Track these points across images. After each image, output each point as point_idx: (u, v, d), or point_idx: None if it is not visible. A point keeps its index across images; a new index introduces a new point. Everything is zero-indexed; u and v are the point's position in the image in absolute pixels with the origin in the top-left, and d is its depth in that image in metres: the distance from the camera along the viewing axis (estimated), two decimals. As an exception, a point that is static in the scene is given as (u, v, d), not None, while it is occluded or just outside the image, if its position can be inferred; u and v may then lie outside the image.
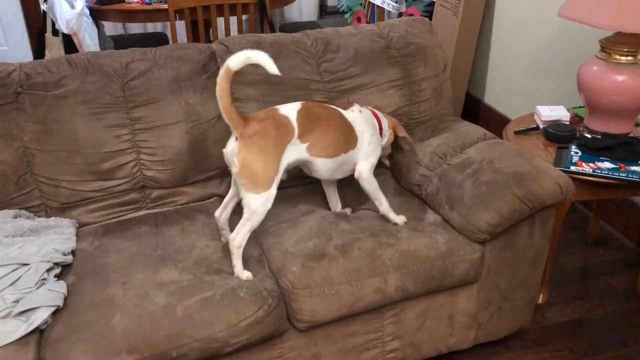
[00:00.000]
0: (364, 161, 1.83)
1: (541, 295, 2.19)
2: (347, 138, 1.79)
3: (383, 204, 1.85)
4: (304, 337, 1.71)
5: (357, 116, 1.85)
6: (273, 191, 1.65)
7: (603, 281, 2.35)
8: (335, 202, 1.99)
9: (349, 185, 2.06)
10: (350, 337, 1.77)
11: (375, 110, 1.95)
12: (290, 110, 1.70)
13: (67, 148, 1.88)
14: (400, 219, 1.85)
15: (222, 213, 1.79)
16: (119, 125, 1.92)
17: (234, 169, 1.63)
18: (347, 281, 1.65)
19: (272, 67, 1.58)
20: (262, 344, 1.65)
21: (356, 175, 1.84)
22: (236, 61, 1.56)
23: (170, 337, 1.49)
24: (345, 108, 1.85)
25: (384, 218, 1.86)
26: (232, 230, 1.69)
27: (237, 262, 1.67)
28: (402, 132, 1.98)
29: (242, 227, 1.66)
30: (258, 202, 1.64)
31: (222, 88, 1.57)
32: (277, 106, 1.73)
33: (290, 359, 1.73)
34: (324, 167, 1.78)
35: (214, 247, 1.77)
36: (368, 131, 1.84)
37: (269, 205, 1.66)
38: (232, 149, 1.64)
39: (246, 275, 1.66)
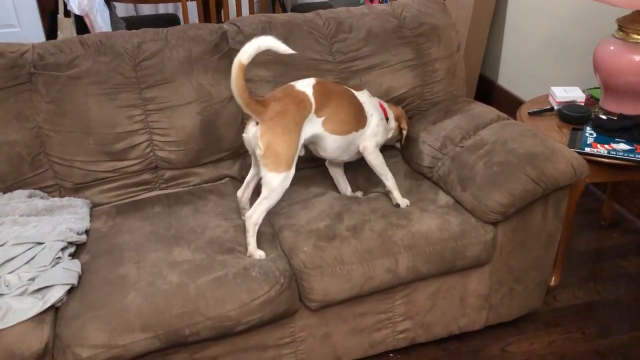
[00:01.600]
0: (370, 138, 1.85)
1: (553, 278, 2.18)
2: (359, 117, 1.81)
3: (389, 179, 1.85)
4: (315, 317, 1.73)
5: (367, 99, 1.88)
6: (293, 170, 1.67)
7: (616, 264, 2.34)
8: (344, 186, 1.98)
9: (360, 170, 2.05)
10: (361, 317, 1.78)
11: (382, 102, 1.97)
12: (306, 86, 1.72)
13: (80, 128, 1.89)
14: (403, 202, 1.83)
15: (244, 193, 1.82)
16: (131, 106, 1.92)
17: (259, 152, 1.63)
18: (359, 261, 1.65)
19: (283, 48, 1.59)
20: (274, 323, 1.66)
21: (361, 148, 1.84)
22: (247, 55, 1.55)
23: (183, 315, 1.51)
24: (356, 90, 1.88)
25: (389, 195, 1.85)
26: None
27: (252, 240, 1.68)
28: (404, 124, 1.99)
29: (259, 205, 1.67)
30: (278, 181, 1.65)
31: (239, 85, 1.55)
32: (292, 82, 1.74)
33: (302, 338, 1.74)
34: (333, 144, 1.78)
35: (226, 227, 1.78)
36: (376, 115, 1.87)
37: (287, 183, 1.67)
38: (253, 132, 1.64)
39: (259, 254, 1.67)
